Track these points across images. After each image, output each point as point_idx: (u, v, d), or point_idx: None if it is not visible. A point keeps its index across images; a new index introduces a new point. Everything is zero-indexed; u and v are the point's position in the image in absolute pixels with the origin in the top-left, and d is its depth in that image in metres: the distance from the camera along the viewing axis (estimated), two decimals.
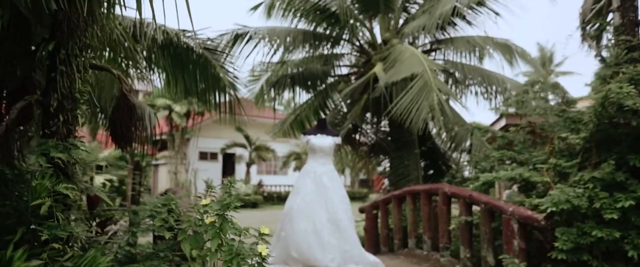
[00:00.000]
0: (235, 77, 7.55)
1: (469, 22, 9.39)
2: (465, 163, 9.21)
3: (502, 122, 10.86)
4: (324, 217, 5.43)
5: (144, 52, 6.97)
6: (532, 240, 4.90)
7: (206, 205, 2.68)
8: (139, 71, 6.15)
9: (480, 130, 7.37)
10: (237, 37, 8.84)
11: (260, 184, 25.87)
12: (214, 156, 27.72)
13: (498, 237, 5.22)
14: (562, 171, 4.79)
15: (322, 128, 5.95)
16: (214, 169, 27.06)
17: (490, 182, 5.46)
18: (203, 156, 27.46)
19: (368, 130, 10.35)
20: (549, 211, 4.27)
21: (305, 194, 5.58)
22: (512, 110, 9.85)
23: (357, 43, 10.00)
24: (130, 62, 6.25)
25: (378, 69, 8.05)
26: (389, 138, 10.02)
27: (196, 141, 25.34)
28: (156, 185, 26.90)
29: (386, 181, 13.90)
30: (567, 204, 4.23)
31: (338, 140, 5.93)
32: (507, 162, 5.99)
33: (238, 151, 26.64)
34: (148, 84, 6.94)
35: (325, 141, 5.77)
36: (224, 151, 26.38)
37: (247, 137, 25.37)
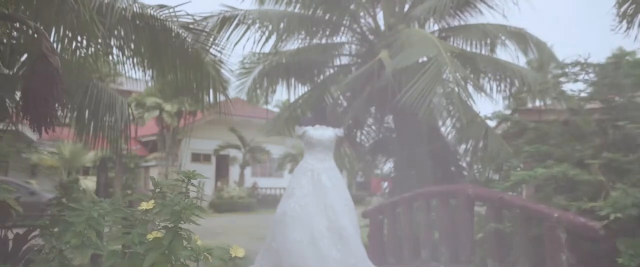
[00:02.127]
0: (220, 60, 6.62)
1: (486, 4, 8.48)
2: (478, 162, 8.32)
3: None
4: (323, 225, 4.48)
5: (115, 32, 6.05)
6: (579, 251, 3.98)
7: (148, 211, 1.74)
8: (100, 49, 5.21)
9: (509, 121, 6.43)
10: (225, 21, 7.89)
11: (254, 187, 24.92)
12: (207, 158, 26.76)
13: (535, 249, 4.30)
14: (619, 167, 3.88)
15: (321, 118, 5.00)
16: (207, 171, 26.08)
17: (523, 182, 4.54)
18: (196, 157, 26.49)
19: (371, 127, 9.44)
20: (612, 217, 3.36)
21: (300, 197, 4.63)
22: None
23: (358, 30, 9.07)
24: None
25: (383, 55, 7.12)
26: (394, 135, 9.11)
27: (188, 142, 24.39)
28: (147, 188, 25.88)
29: (386, 184, 13.06)
30: (635, 208, 3.33)
31: (340, 132, 4.99)
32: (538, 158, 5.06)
33: (232, 152, 25.69)
34: (110, 61, 5.99)
35: (325, 133, 4.82)
36: (217, 152, 25.42)
37: (241, 138, 24.42)
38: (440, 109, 5.81)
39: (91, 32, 4.62)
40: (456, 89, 5.49)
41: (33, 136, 20.82)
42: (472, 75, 8.31)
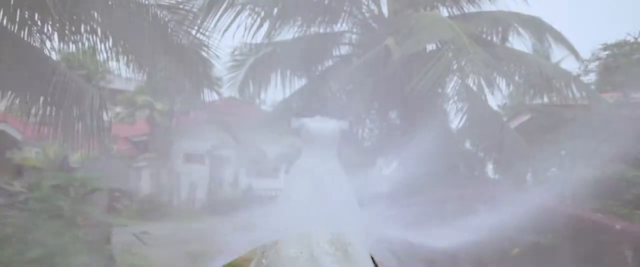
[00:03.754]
0: (205, 45, 5.86)
1: None
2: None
3: (526, 115, 9.25)
4: (324, 239, 3.68)
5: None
6: None
7: None
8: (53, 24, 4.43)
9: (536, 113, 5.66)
10: (212, 5, 7.09)
11: (250, 188, 24.18)
12: (200, 158, 26.00)
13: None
14: None
15: (322, 108, 4.22)
16: (201, 172, 25.33)
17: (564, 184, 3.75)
18: (188, 158, 25.73)
19: (373, 123, 8.67)
20: None
21: (297, 204, 3.84)
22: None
23: (360, 16, 8.28)
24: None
25: (390, 41, 6.34)
26: (399, 132, 8.34)
27: (181, 142, 23.63)
28: (138, 189, 25.08)
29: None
30: None
31: (345, 125, 4.20)
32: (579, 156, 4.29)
33: (226, 152, 24.94)
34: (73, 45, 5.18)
35: (328, 126, 4.02)
36: (211, 152, 24.66)
37: (235, 138, 23.67)
38: (457, 99, 5.04)
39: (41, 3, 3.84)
40: (477, 77, 4.70)
41: (17, 135, 19.99)
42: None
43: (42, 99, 5.31)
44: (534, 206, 3.82)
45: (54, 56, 5.42)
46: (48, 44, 5.17)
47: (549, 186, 4.03)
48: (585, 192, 3.71)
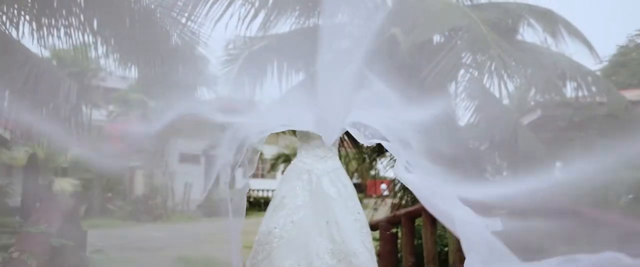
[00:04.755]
0: (192, 33, 5.41)
1: None
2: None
3: (537, 113, 8.80)
4: (324, 249, 3.21)
5: None
6: None
7: None
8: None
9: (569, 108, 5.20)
10: None
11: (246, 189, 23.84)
12: (195, 158, 25.57)
13: None
14: None
15: (321, 105, 3.75)
16: (196, 172, 24.92)
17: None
18: (183, 158, 25.31)
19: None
20: None
21: (293, 209, 3.37)
22: None
23: (361, 6, 7.81)
24: None
25: (396, 30, 5.88)
26: None
27: (176, 142, 23.18)
28: (132, 190, 24.62)
29: (383, 185, 11.97)
30: None
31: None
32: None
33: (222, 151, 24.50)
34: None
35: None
36: (206, 152, 24.20)
37: (231, 136, 23.23)
38: (469, 93, 4.57)
39: None
40: (497, 63, 4.23)
41: (6, 135, 19.51)
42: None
43: (11, 89, 4.84)
44: (563, 211, 3.35)
45: (25, 44, 4.97)
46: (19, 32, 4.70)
47: (579, 189, 3.55)
48: (625, 196, 3.25)
